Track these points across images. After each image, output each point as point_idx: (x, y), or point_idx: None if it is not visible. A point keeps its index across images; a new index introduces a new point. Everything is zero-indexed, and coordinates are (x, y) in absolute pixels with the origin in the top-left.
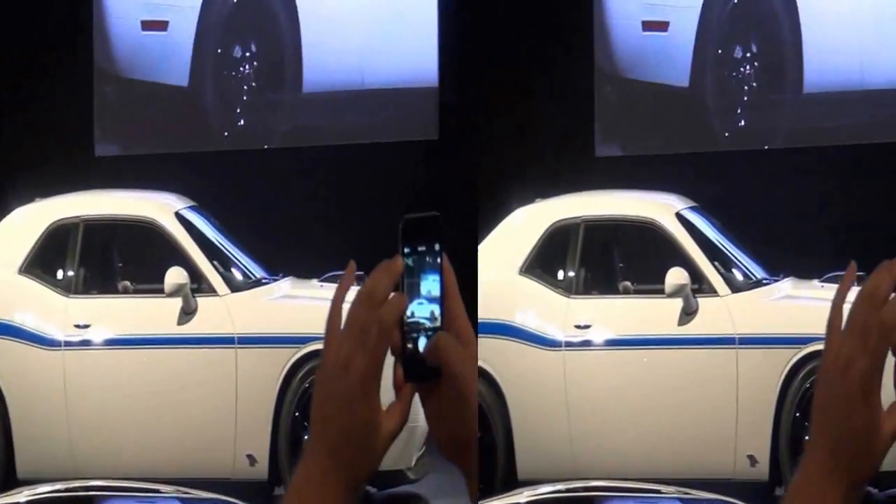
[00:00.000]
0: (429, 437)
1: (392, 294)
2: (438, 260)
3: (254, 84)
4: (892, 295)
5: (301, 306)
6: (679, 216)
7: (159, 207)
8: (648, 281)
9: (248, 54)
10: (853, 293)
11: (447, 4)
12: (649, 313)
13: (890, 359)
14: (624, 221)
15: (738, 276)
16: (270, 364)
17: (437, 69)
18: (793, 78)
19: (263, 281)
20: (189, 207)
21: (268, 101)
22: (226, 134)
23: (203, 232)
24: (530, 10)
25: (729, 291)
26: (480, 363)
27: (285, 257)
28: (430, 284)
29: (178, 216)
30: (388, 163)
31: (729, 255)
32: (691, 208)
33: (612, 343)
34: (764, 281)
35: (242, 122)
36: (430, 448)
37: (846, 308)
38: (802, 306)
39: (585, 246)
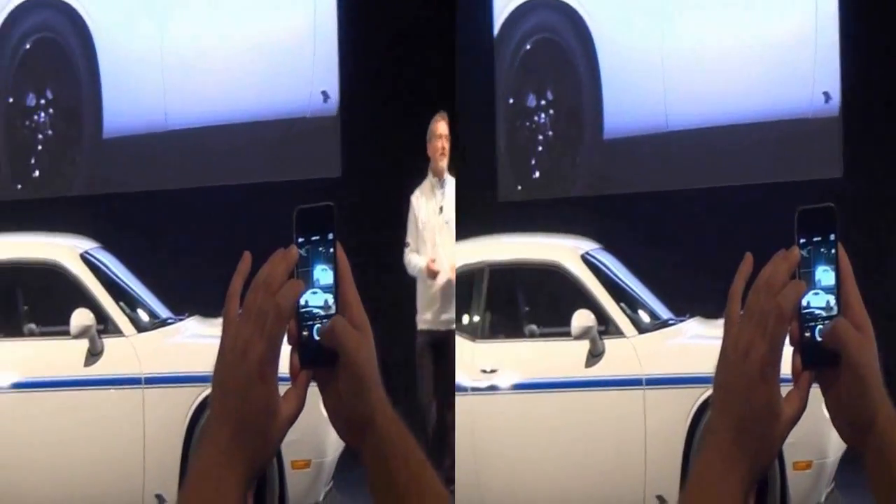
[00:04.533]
0: (336, 472)
1: (288, 281)
2: (332, 250)
3: (49, 132)
4: (788, 282)
5: (207, 345)
6: (584, 258)
7: (64, 249)
8: (555, 324)
9: (42, 101)
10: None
11: (347, 32)
12: (556, 356)
13: (787, 346)
14: (529, 265)
15: (645, 318)
16: (177, 403)
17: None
18: (592, 125)
19: (169, 321)
20: (94, 249)
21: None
22: (19, 187)
23: (108, 273)
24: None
25: (636, 332)
26: None
27: (190, 297)
28: (323, 274)
29: (84, 258)
30: (292, 199)
31: (635, 296)
32: (596, 250)
33: (519, 387)
34: (669, 321)
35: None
36: (337, 482)
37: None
38: (708, 346)
39: (490, 290)
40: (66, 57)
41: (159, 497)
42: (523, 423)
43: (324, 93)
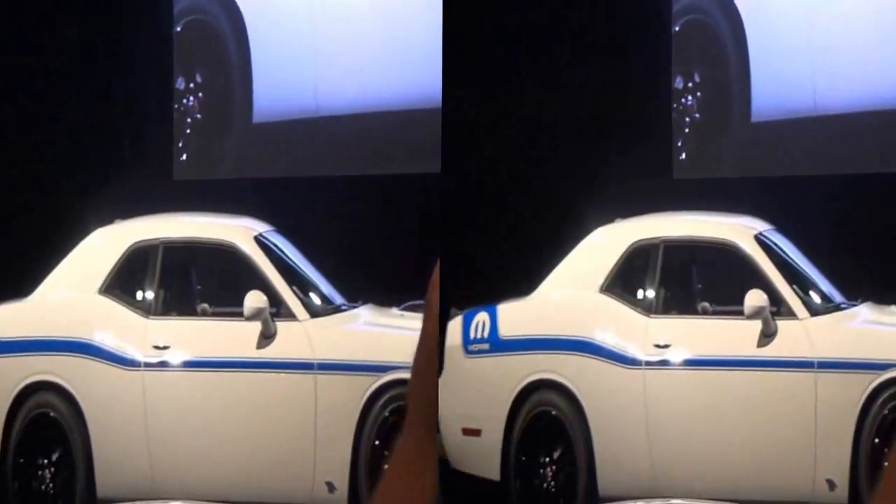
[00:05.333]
0: None
1: None
2: None
3: (198, 116)
4: None
5: (383, 334)
6: (758, 238)
7: (239, 231)
8: (727, 302)
9: (192, 85)
10: None
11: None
12: (728, 334)
13: None
14: (703, 243)
15: (817, 300)
16: (351, 391)
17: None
18: (740, 107)
19: (343, 307)
20: (268, 231)
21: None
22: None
23: (282, 256)
24: (601, 31)
25: (808, 315)
26: (560, 378)
27: (364, 285)
28: None
29: (258, 240)
30: None
31: (807, 278)
32: (770, 231)
33: (692, 363)
34: (842, 305)
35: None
36: None
37: None
38: (882, 332)
39: (665, 266)
40: (217, 40)
41: (329, 485)
42: (695, 400)
43: None
